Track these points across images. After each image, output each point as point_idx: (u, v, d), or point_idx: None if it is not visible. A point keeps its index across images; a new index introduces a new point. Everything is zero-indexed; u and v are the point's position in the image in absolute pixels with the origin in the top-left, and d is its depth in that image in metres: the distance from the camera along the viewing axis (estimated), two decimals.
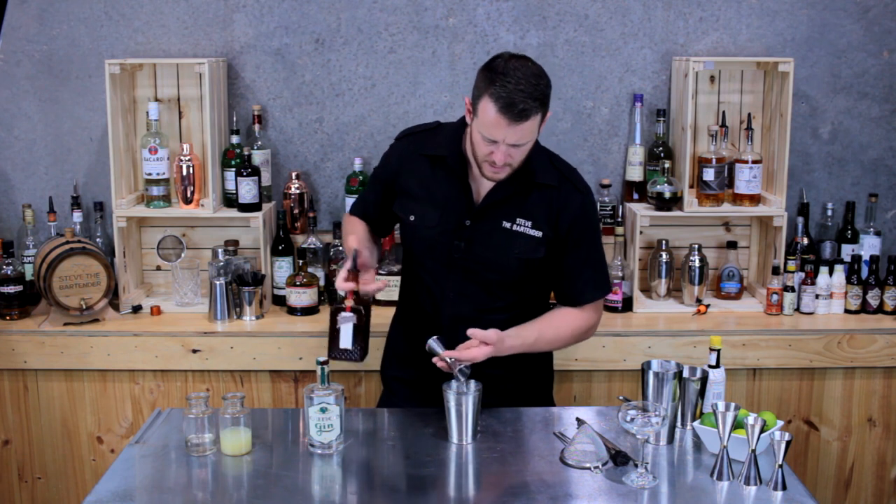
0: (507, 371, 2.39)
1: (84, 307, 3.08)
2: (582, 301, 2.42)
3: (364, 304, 2.28)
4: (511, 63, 2.15)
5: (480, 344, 2.22)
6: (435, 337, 2.25)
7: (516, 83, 2.11)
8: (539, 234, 2.34)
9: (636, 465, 2.05)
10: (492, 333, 2.23)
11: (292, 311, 3.20)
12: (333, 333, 2.28)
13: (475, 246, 2.35)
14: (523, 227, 2.34)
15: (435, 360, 2.24)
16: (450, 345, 2.24)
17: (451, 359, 2.21)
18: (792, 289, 3.18)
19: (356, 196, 2.82)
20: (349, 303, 2.27)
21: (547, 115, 2.22)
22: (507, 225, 2.34)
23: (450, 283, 2.38)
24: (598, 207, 3.32)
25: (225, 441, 2.16)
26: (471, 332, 2.23)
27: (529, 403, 2.48)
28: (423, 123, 2.51)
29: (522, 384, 2.50)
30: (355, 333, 2.26)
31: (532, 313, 2.42)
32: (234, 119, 3.34)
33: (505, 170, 2.24)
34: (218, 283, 3.11)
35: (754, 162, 3.19)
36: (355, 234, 2.44)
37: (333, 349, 2.28)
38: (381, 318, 2.63)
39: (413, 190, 2.41)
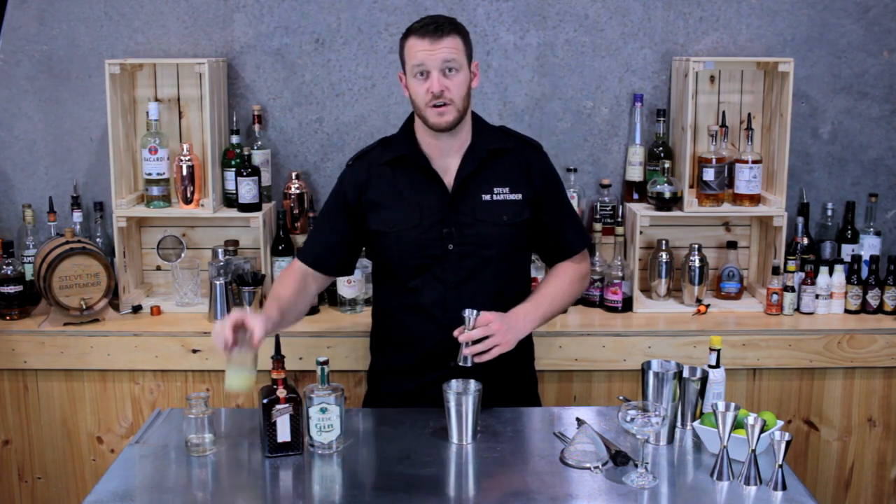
0: (488, 374, 2.35)
1: (84, 307, 3.08)
2: (573, 252, 2.53)
3: (293, 389, 2.14)
4: (424, 16, 2.39)
5: (485, 328, 2.26)
6: (475, 312, 2.27)
7: (431, 17, 2.34)
8: (519, 196, 2.43)
9: (636, 465, 2.05)
10: (488, 314, 2.28)
11: None
12: (269, 428, 2.11)
13: (464, 227, 2.39)
14: (503, 194, 2.42)
15: (456, 331, 2.27)
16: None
17: (466, 345, 2.26)
18: (792, 289, 3.18)
19: None
20: (282, 392, 2.10)
21: (475, 64, 2.38)
22: (487, 197, 2.41)
23: (449, 275, 2.40)
24: (599, 207, 3.35)
25: (231, 375, 2.11)
26: (462, 337, 2.27)
27: (515, 404, 2.49)
28: (367, 145, 2.57)
29: (506, 385, 2.48)
30: (292, 423, 2.12)
31: (526, 291, 2.51)
32: (234, 119, 3.34)
33: (448, 110, 2.32)
34: (218, 283, 3.11)
35: (754, 162, 3.19)
36: (275, 301, 2.37)
37: (272, 446, 2.12)
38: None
39: (383, 200, 2.43)
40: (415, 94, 2.34)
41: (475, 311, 2.26)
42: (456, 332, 2.27)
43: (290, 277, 2.49)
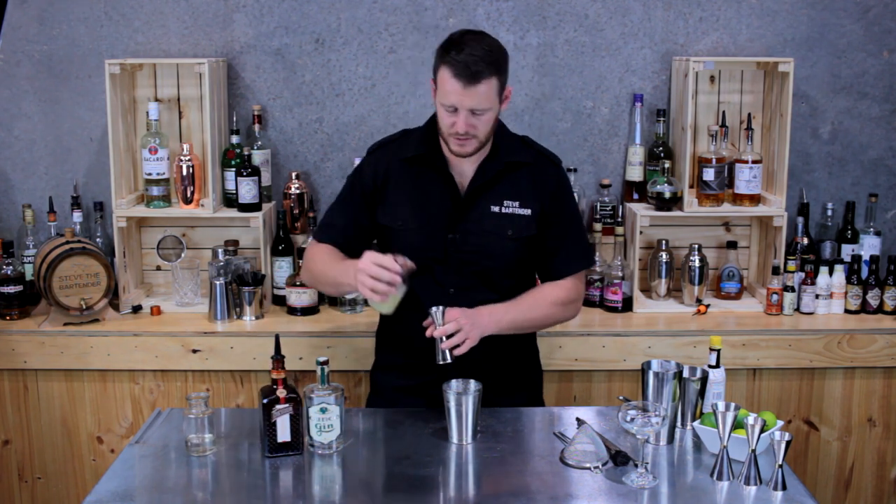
0: (491, 374, 2.36)
1: (84, 307, 3.08)
2: (562, 274, 2.45)
3: (293, 389, 2.14)
4: (465, 36, 2.26)
5: (454, 323, 2.23)
6: (441, 308, 2.25)
7: (470, 51, 2.21)
8: (528, 211, 2.40)
9: (636, 465, 2.05)
10: (454, 310, 2.25)
11: (292, 311, 3.20)
12: (269, 428, 2.11)
13: (469, 235, 2.38)
14: (512, 208, 2.40)
15: (428, 331, 2.26)
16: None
17: (441, 340, 2.24)
18: (792, 289, 3.18)
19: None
20: (282, 392, 2.11)
21: (507, 90, 2.31)
22: (496, 209, 2.39)
23: (450, 279, 2.40)
24: (599, 207, 3.35)
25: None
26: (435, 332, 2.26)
27: (517, 403, 2.49)
28: (390, 135, 2.54)
29: (510, 386, 2.49)
30: (292, 423, 2.12)
31: None
32: (234, 119, 3.34)
33: (471, 142, 2.29)
34: (218, 283, 3.11)
35: (754, 162, 3.19)
36: (342, 259, 2.38)
37: (272, 446, 2.12)
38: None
39: (396, 196, 2.42)
40: (440, 119, 2.31)
41: (441, 308, 2.25)
42: (428, 331, 2.25)
43: (328, 250, 2.46)
